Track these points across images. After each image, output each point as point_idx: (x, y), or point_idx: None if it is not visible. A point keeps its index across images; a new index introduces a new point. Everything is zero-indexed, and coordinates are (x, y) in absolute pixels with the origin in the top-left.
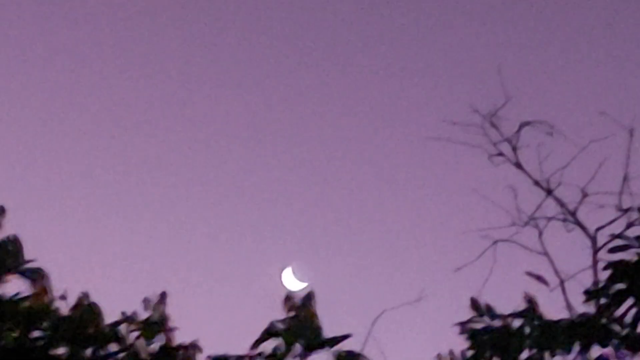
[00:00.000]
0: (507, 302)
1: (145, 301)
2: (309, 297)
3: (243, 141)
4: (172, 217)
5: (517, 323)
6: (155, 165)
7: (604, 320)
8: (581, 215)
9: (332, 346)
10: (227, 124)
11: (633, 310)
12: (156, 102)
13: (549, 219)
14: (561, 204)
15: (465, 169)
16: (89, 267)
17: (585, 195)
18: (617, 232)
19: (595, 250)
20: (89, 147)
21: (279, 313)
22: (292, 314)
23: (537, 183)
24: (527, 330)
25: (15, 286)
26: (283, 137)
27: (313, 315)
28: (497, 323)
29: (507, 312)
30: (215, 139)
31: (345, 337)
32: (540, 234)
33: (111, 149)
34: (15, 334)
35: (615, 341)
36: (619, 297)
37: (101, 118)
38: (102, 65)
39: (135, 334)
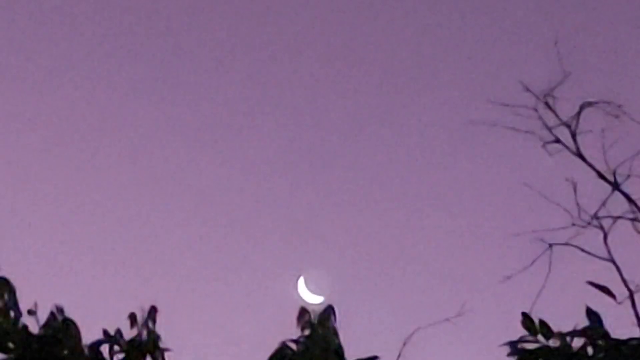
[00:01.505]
0: (565, 317)
1: (132, 317)
2: (327, 312)
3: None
4: (164, 218)
5: (577, 343)
6: (154, 164)
7: None
8: None
9: None
10: (233, 122)
11: None
12: (149, 101)
13: (616, 218)
14: (630, 200)
15: (515, 159)
16: (63, 277)
17: None
18: None
19: None
20: (73, 149)
21: (291, 331)
22: (307, 332)
23: (601, 175)
24: (590, 351)
25: None
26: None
27: (333, 334)
28: (553, 343)
29: (565, 329)
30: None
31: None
32: (605, 236)
33: (101, 149)
34: None
35: None
36: None
37: (79, 119)
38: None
39: (120, 356)
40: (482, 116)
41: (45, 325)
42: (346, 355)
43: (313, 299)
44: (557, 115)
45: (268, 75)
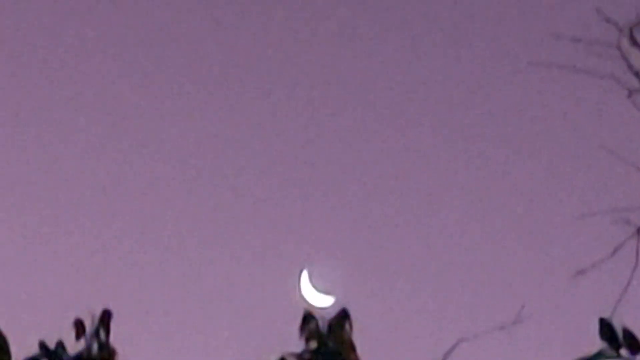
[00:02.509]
0: None
1: (78, 325)
2: (340, 318)
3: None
4: (130, 202)
5: None
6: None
7: None
8: None
9: None
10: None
11: None
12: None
13: None
14: None
15: (590, 113)
16: None
17: None
18: None
19: None
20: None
21: (293, 342)
22: (313, 344)
23: None
24: None
25: None
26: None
27: (348, 347)
28: None
29: None
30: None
31: None
32: None
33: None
34: None
35: None
36: None
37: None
38: None
39: None
40: (547, 56)
41: None
42: None
43: (320, 300)
44: None
45: (282, 64)
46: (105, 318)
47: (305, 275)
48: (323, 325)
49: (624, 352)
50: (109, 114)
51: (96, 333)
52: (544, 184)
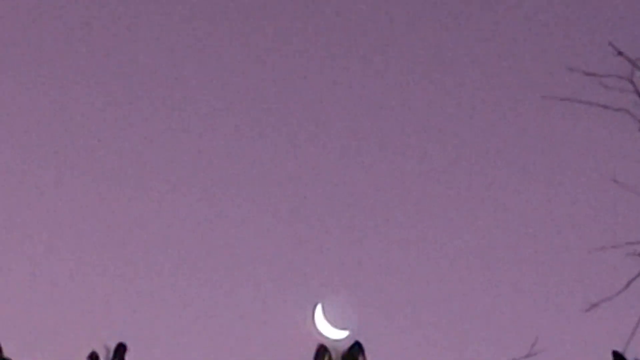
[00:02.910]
0: None
1: (93, 358)
2: (354, 351)
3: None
4: (153, 232)
5: None
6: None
7: None
8: None
9: None
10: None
11: None
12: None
13: None
14: None
15: (602, 145)
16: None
17: None
18: None
19: None
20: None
21: None
22: None
23: None
24: None
25: None
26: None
27: None
28: None
29: None
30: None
31: None
32: None
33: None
34: None
35: None
36: None
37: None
38: None
39: None
40: (561, 89)
41: None
42: None
43: (334, 334)
44: None
45: (297, 84)
46: (121, 351)
47: (319, 308)
48: (337, 358)
49: None
50: (121, 157)
51: None
52: (556, 217)
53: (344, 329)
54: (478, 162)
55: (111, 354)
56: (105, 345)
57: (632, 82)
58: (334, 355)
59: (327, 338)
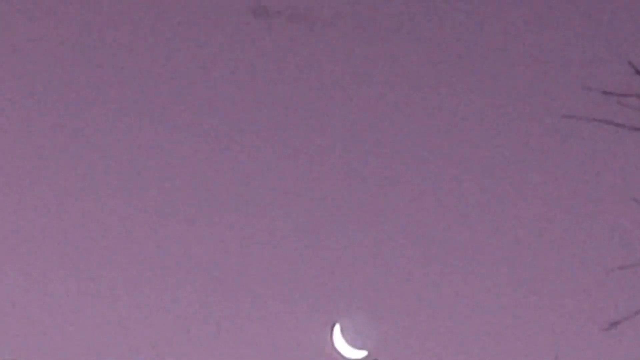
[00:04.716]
0: None
1: None
2: None
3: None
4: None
5: None
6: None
7: None
8: None
9: None
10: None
11: None
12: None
13: None
14: None
15: (621, 165)
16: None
17: None
18: None
19: None
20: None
21: None
22: None
23: None
24: None
25: None
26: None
27: None
28: None
29: None
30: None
31: None
32: None
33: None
34: None
35: None
36: None
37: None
38: None
39: None
40: (578, 108)
41: None
42: None
43: (353, 354)
44: None
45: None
46: None
47: (337, 328)
48: None
49: None
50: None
51: None
52: (576, 236)
53: (362, 348)
54: (497, 182)
55: None
56: None
57: None
58: None
59: (345, 358)
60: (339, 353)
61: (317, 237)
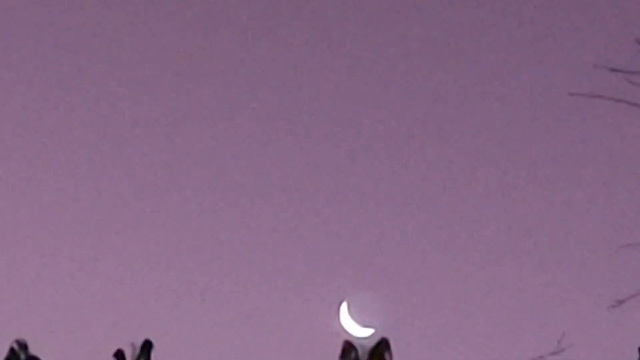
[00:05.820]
0: None
1: (118, 356)
2: (380, 348)
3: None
4: (178, 227)
5: None
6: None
7: None
8: None
9: None
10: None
11: None
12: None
13: None
14: None
15: (631, 144)
16: (28, 306)
17: None
18: None
19: None
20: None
21: None
22: None
23: None
24: None
25: None
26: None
27: None
28: None
29: None
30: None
31: None
32: None
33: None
34: None
35: None
36: None
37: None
38: None
39: None
40: (587, 86)
41: None
42: None
43: (360, 332)
44: None
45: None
46: (147, 348)
47: (345, 306)
48: (363, 355)
49: None
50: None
51: None
52: (583, 215)
53: (369, 326)
54: (505, 161)
55: (137, 352)
56: (131, 343)
57: None
58: (360, 353)
59: (352, 335)
60: (346, 331)
61: (325, 217)
